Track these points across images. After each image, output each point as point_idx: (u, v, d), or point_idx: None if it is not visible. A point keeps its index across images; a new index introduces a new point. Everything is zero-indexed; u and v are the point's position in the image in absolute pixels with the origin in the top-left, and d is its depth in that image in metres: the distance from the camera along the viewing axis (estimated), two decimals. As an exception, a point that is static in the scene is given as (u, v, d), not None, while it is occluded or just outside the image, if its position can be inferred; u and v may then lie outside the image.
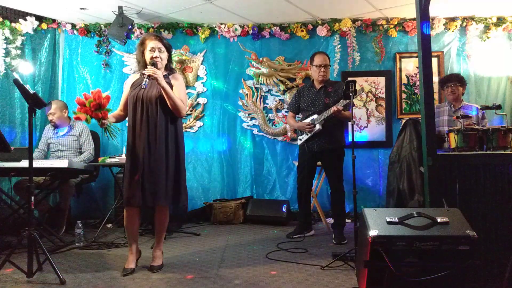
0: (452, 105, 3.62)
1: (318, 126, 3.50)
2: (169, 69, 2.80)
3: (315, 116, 3.55)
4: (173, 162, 2.67)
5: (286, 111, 4.67)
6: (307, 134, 3.58)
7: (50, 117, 4.02)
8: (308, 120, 3.58)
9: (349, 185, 4.42)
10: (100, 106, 2.53)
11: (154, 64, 2.60)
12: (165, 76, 2.69)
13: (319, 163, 3.73)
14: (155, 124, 2.62)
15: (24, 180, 3.69)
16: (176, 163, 2.68)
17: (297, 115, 3.86)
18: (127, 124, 2.73)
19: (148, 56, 2.67)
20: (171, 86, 2.67)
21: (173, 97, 2.60)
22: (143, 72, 2.60)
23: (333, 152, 3.55)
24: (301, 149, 3.70)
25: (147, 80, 2.54)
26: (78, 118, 2.58)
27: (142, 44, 2.70)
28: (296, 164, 4.31)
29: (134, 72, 2.86)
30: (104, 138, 4.66)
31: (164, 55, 2.71)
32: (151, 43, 2.67)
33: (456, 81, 3.58)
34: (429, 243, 1.89)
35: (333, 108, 3.34)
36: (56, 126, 4.07)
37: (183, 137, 2.80)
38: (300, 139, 3.67)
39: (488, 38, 4.59)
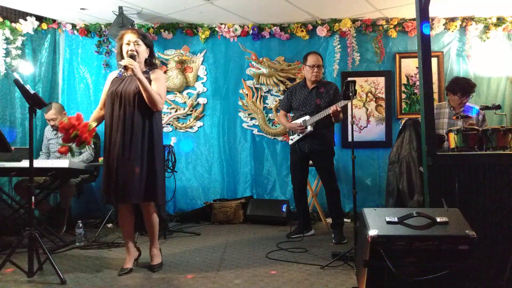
0: (452, 108, 3.59)
1: (309, 128, 3.51)
2: (149, 65, 2.76)
3: (307, 117, 3.55)
4: (148, 159, 2.62)
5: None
6: (299, 135, 3.59)
7: (51, 123, 4.02)
8: (299, 121, 3.59)
9: (349, 185, 4.44)
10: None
11: (132, 56, 2.60)
12: (145, 72, 2.68)
13: (311, 162, 3.74)
14: (132, 120, 2.59)
15: (25, 180, 3.70)
16: (150, 160, 2.63)
17: (288, 114, 3.87)
18: (104, 120, 2.70)
19: (124, 49, 2.66)
20: (149, 81, 2.65)
21: (149, 90, 2.57)
22: (119, 63, 2.60)
23: (323, 153, 3.57)
24: (293, 149, 3.71)
25: (123, 70, 2.55)
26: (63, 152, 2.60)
27: (121, 38, 2.70)
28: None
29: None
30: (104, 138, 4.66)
31: (141, 49, 2.68)
32: (127, 36, 2.67)
33: (471, 93, 3.51)
34: (428, 243, 1.90)
35: (333, 108, 3.34)
36: (57, 129, 4.07)
37: (160, 133, 2.77)
38: (292, 139, 3.69)
39: (488, 38, 4.59)
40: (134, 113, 2.60)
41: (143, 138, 2.61)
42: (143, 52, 2.70)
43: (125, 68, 2.55)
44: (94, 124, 2.61)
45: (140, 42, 2.67)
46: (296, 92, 3.71)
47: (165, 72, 4.65)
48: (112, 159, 2.59)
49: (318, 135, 3.53)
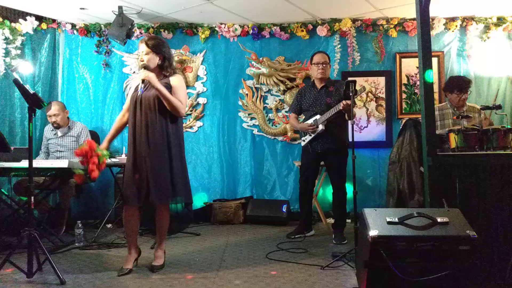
0: (455, 108, 3.57)
1: (321, 127, 3.49)
2: (165, 70, 2.77)
3: (318, 116, 3.54)
4: (169, 162, 2.68)
5: (286, 111, 4.67)
6: (310, 135, 3.58)
7: (53, 119, 4.01)
8: (310, 121, 3.58)
9: (349, 185, 4.43)
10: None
11: (146, 67, 2.66)
12: (163, 78, 2.74)
13: (322, 163, 3.72)
14: (154, 125, 2.65)
15: (24, 180, 3.69)
16: (171, 162, 2.69)
17: (299, 116, 3.86)
18: (128, 125, 2.79)
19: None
20: (170, 87, 2.70)
21: (169, 98, 2.63)
22: (138, 78, 2.71)
23: (337, 152, 3.54)
24: (305, 150, 3.69)
25: (142, 85, 2.66)
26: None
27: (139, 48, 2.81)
28: (296, 164, 4.31)
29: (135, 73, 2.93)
30: (104, 139, 4.65)
31: (149, 57, 2.70)
32: (139, 47, 2.76)
33: (467, 88, 3.51)
34: (429, 243, 1.89)
35: (343, 103, 3.27)
36: (58, 127, 4.06)
37: (179, 136, 2.81)
38: (304, 140, 3.67)
39: (488, 38, 4.58)
40: (156, 119, 2.66)
41: (163, 142, 2.66)
42: (152, 60, 2.71)
43: (143, 81, 2.65)
44: (106, 155, 2.69)
45: (148, 51, 2.70)
46: (306, 93, 3.70)
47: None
48: (138, 163, 2.64)
49: (330, 134, 3.50)
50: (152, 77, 2.61)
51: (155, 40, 2.76)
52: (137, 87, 2.75)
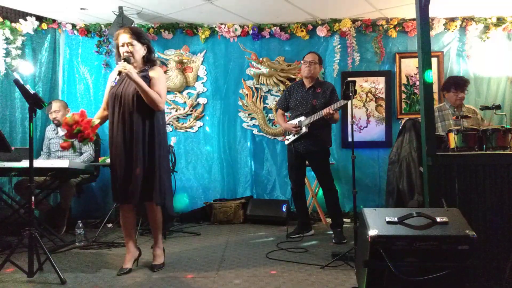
0: (455, 109, 3.58)
1: (304, 129, 3.52)
2: (147, 61, 2.72)
3: (302, 118, 3.56)
4: (148, 160, 2.61)
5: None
6: (294, 135, 3.60)
7: (54, 115, 4.03)
8: (295, 122, 3.60)
9: (348, 185, 4.44)
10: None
11: (126, 59, 2.59)
12: (144, 70, 2.68)
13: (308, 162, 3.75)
14: (131, 121, 2.59)
15: (25, 180, 3.70)
16: (150, 161, 2.62)
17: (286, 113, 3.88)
18: (108, 121, 2.73)
19: (121, 51, 2.67)
20: (149, 80, 2.64)
21: (147, 91, 2.55)
22: (114, 70, 2.61)
23: (318, 153, 3.58)
24: (289, 149, 3.73)
25: (118, 77, 2.57)
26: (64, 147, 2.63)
27: (116, 39, 2.69)
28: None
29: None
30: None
31: (136, 48, 2.65)
32: (121, 38, 2.65)
33: (465, 87, 3.53)
34: (428, 243, 1.90)
35: (325, 111, 3.35)
36: (58, 125, 4.07)
37: (163, 133, 2.72)
38: (287, 139, 3.71)
39: (487, 38, 4.59)
40: (133, 114, 2.60)
41: (144, 139, 2.61)
42: (139, 51, 2.68)
43: (120, 73, 2.54)
44: (97, 121, 2.63)
45: (134, 42, 2.65)
46: (294, 91, 3.72)
47: (165, 72, 4.65)
48: (115, 160, 2.64)
49: (313, 136, 3.53)
50: (130, 69, 2.52)
51: (138, 29, 2.67)
52: (118, 79, 2.64)
